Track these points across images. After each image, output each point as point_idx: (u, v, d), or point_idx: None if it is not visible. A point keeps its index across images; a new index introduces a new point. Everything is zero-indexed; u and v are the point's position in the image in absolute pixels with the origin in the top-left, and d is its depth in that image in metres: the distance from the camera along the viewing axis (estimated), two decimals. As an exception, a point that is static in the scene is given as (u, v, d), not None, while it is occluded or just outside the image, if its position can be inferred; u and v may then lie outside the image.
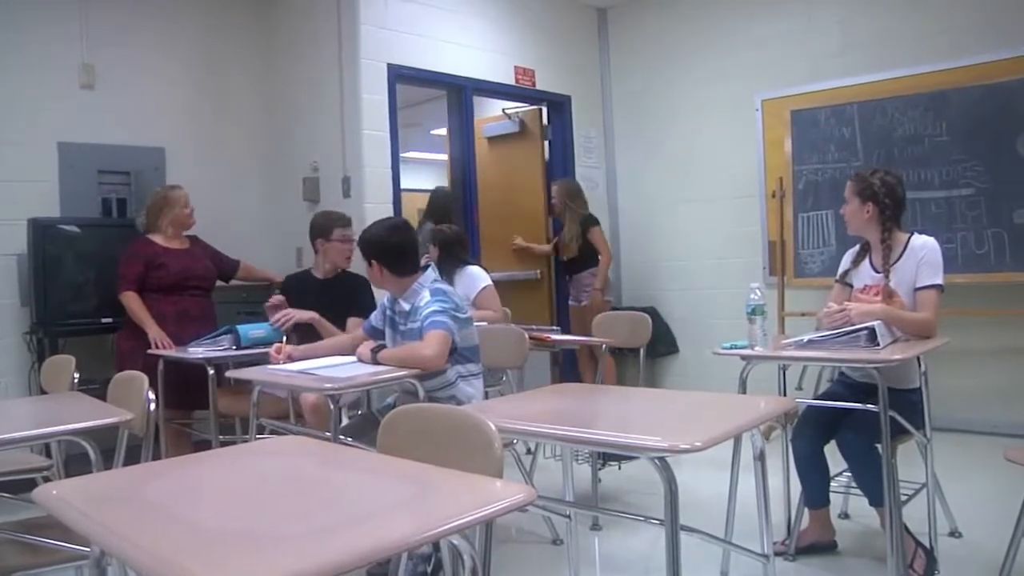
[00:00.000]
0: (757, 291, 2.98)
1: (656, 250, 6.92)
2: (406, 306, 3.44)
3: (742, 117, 6.30)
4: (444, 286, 3.45)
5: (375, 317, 3.64)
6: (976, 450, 4.72)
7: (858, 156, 5.50)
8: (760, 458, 2.18)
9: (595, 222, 6.26)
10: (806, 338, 2.98)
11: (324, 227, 4.50)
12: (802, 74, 6.01)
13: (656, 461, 1.82)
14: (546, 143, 6.97)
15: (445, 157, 7.34)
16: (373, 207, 5.40)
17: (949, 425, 4.82)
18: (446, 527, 1.25)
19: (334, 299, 4.37)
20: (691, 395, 2.84)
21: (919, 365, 3.07)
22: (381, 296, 3.71)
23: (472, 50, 6.20)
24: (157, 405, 4.12)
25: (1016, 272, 4.98)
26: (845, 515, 3.78)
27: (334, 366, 3.28)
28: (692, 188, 6.67)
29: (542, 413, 2.31)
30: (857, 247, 3.50)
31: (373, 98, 5.53)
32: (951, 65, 5.23)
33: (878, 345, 2.84)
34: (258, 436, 3.38)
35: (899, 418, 2.91)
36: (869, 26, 5.77)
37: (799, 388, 5.65)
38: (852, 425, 3.06)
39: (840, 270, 3.54)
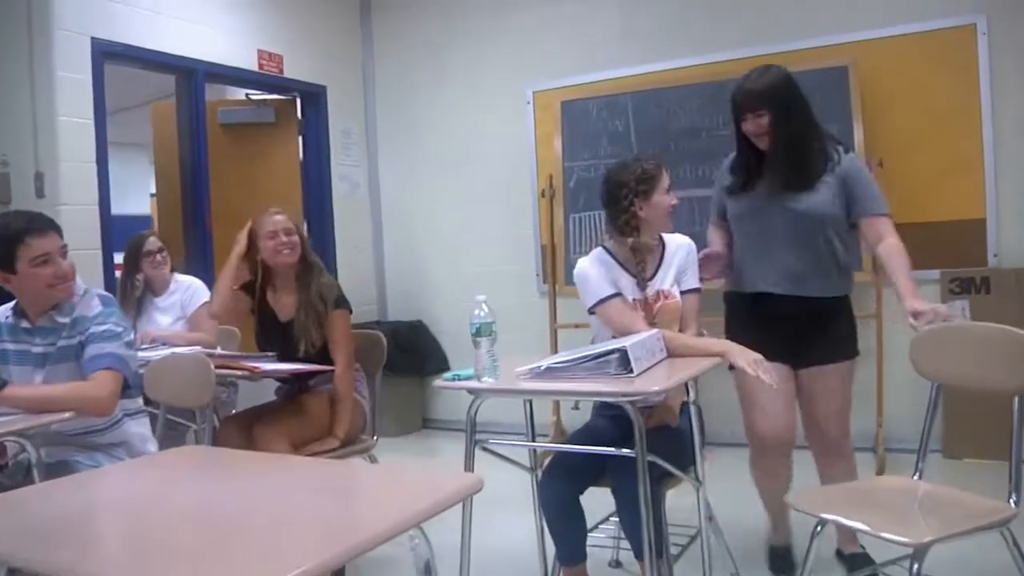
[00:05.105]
0: (483, 306, 2.32)
1: (424, 257, 6.24)
2: (60, 318, 2.66)
3: (514, 110, 5.76)
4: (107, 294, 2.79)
5: None
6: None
7: (632, 150, 5.00)
8: (425, 571, 1.48)
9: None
10: (544, 364, 2.34)
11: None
12: (577, 64, 5.52)
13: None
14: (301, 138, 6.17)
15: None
16: (73, 209, 4.46)
17: (733, 440, 4.43)
18: None
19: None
20: (367, 471, 1.98)
21: (687, 392, 2.51)
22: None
23: (205, 28, 5.29)
24: None
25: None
26: (616, 563, 3.26)
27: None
28: (463, 189, 6.03)
29: (115, 507, 1.56)
30: None
31: (72, 78, 4.53)
32: (731, 56, 4.88)
33: (631, 372, 2.23)
34: None
35: (659, 461, 2.33)
36: (649, 14, 5.35)
37: (576, 407, 5.15)
38: (623, 467, 2.42)
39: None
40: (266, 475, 1.79)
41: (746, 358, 2.50)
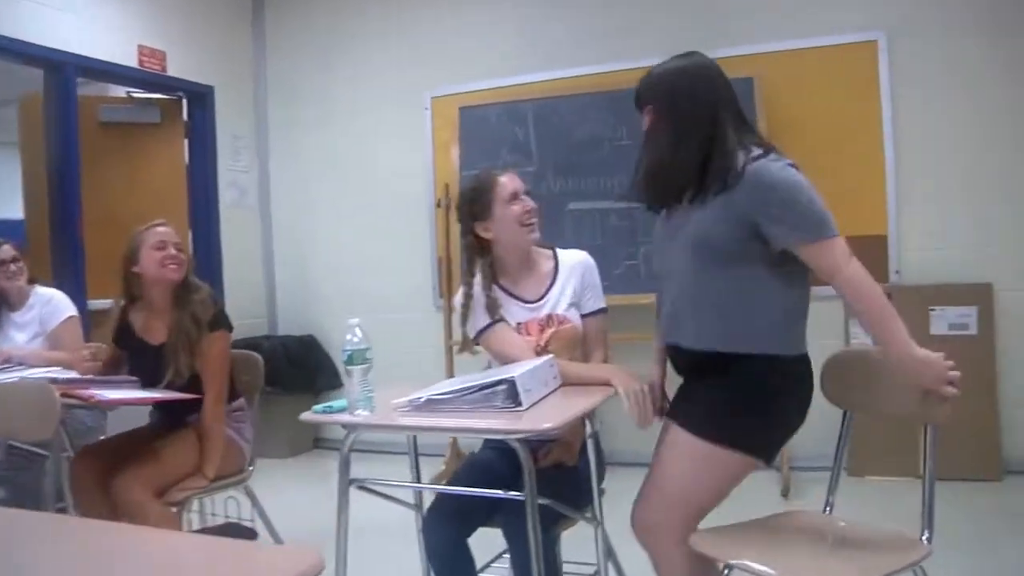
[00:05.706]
0: (356, 331, 2.07)
1: (317, 269, 5.93)
2: None
3: (412, 116, 5.53)
4: None
5: None
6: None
7: (532, 159, 4.83)
8: None
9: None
10: (424, 396, 2.10)
11: None
12: (477, 69, 5.34)
13: None
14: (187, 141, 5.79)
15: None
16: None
17: (636, 459, 4.25)
18: None
19: None
20: (184, 548, 1.58)
21: (585, 426, 2.29)
22: None
23: (77, 18, 4.89)
24: None
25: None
26: (513, 603, 3.00)
27: None
28: (357, 197, 5.75)
29: None
30: None
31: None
32: (635, 64, 4.68)
33: (520, 405, 2.01)
34: None
35: (550, 504, 2.12)
36: (551, 21, 5.20)
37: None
38: (513, 508, 2.13)
39: None
40: (59, 552, 1.44)
41: (626, 386, 2.23)
